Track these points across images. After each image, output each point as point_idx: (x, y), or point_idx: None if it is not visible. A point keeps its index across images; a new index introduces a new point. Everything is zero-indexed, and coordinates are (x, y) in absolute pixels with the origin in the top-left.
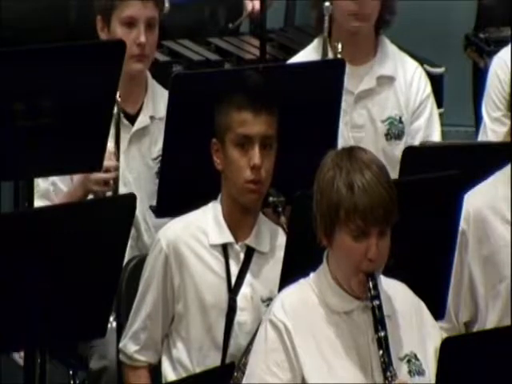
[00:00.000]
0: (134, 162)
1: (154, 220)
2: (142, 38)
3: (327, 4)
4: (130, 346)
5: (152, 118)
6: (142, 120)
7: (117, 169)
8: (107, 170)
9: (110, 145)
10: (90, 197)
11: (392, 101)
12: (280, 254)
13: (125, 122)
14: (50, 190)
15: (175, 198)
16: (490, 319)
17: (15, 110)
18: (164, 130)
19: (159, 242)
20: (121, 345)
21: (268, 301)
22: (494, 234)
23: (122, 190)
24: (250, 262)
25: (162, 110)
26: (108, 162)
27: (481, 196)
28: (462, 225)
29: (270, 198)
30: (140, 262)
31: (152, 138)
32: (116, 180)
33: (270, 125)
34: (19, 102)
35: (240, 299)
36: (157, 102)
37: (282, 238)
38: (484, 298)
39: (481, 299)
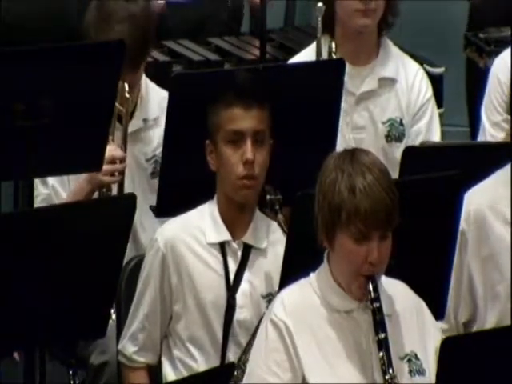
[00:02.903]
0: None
1: (150, 221)
2: None
3: (320, 5)
4: (128, 347)
5: (145, 120)
6: (135, 123)
7: (123, 160)
8: (113, 161)
9: (118, 135)
10: (94, 196)
11: (393, 103)
12: (276, 248)
13: (117, 124)
14: (52, 194)
15: (175, 197)
16: (489, 320)
17: (15, 110)
18: (164, 130)
19: (156, 241)
20: (119, 346)
21: (269, 296)
22: (494, 235)
23: (115, 193)
24: (248, 259)
25: (155, 112)
26: (114, 152)
27: (481, 196)
28: (462, 225)
29: (268, 196)
30: (139, 262)
31: (145, 139)
32: (122, 171)
33: (261, 120)
34: (19, 102)
35: (239, 296)
36: (150, 103)
37: (277, 233)
38: (483, 299)
39: (480, 300)
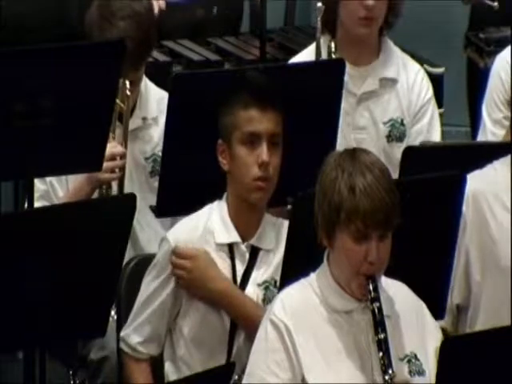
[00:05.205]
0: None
1: (148, 220)
2: None
3: (319, 5)
4: (133, 337)
5: (144, 119)
6: (134, 122)
7: (123, 156)
8: (113, 158)
9: (118, 133)
10: (94, 196)
11: (394, 103)
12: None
13: (117, 122)
14: (50, 191)
15: (175, 198)
16: (484, 306)
17: (15, 110)
18: (164, 130)
19: (168, 242)
20: (123, 333)
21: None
22: (492, 219)
23: (115, 190)
24: (256, 261)
25: (154, 111)
26: (113, 148)
27: (480, 180)
28: (463, 208)
29: (289, 207)
30: (139, 262)
31: (144, 138)
32: (122, 168)
33: (277, 122)
34: (19, 102)
35: None
36: (149, 102)
37: (285, 233)
38: (478, 284)
39: (474, 284)
